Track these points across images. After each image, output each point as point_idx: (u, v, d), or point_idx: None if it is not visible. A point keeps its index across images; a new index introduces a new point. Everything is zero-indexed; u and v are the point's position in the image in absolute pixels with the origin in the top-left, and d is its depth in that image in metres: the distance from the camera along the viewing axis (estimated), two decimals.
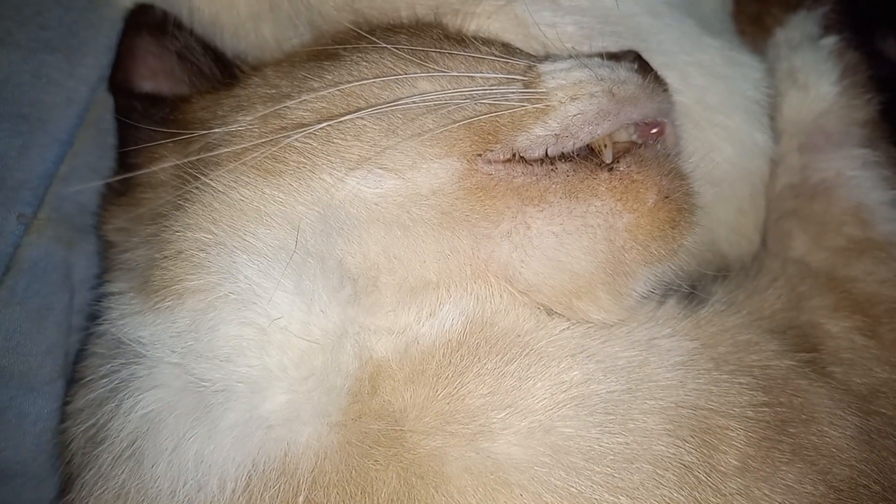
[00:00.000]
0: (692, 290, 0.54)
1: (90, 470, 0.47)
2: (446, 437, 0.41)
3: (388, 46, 0.48)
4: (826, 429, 0.47)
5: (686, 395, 0.44)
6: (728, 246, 0.64)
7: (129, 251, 0.51)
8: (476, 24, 0.55)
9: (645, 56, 0.54)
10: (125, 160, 0.59)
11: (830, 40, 0.66)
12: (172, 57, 0.63)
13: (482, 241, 0.45)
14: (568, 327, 0.46)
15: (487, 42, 0.51)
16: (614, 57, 0.52)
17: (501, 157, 0.46)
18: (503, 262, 0.45)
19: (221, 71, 0.60)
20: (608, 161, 0.46)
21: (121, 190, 0.57)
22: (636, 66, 0.50)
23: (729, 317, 0.50)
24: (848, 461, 0.46)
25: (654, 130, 0.49)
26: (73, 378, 0.56)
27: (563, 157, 0.46)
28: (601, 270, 0.45)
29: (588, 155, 0.47)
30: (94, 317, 0.54)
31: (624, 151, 0.47)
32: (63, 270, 0.60)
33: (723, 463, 0.43)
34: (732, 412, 0.44)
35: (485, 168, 0.45)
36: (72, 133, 0.62)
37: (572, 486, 0.40)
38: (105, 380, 0.49)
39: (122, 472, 0.46)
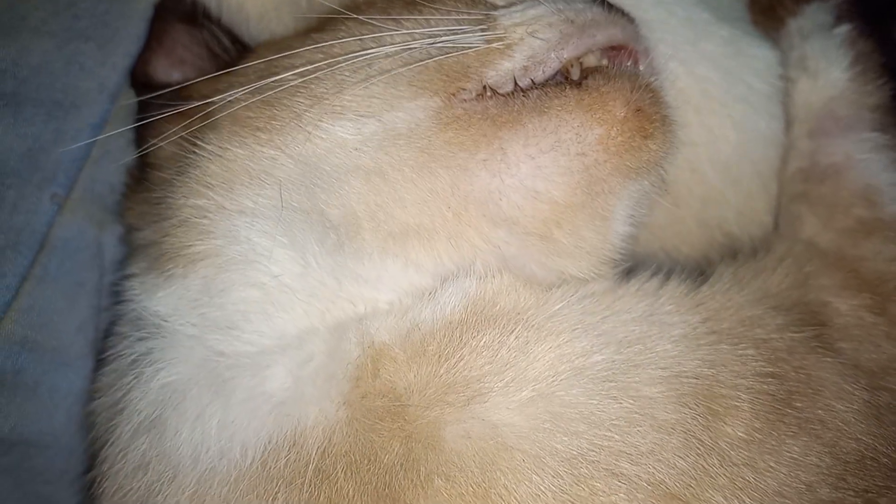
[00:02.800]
0: (700, 273, 0.55)
1: (111, 443, 0.50)
2: (444, 406, 0.42)
3: (362, 17, 0.50)
4: (833, 402, 0.48)
5: (689, 365, 0.45)
6: (738, 229, 0.65)
7: (145, 230, 0.53)
8: None
9: (650, 46, 0.56)
10: (141, 140, 0.61)
11: (843, 28, 0.66)
12: (202, 46, 0.65)
13: (460, 176, 0.46)
14: (567, 303, 0.47)
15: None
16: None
17: (474, 94, 0.48)
18: (481, 197, 0.46)
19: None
20: (576, 78, 0.47)
21: (139, 177, 0.59)
22: (600, 2, 0.52)
23: (734, 294, 0.52)
24: (854, 435, 0.47)
25: (625, 54, 0.50)
26: (100, 356, 0.59)
27: (534, 85, 0.48)
28: (579, 191, 0.46)
29: (561, 77, 0.48)
30: (118, 299, 0.56)
31: (593, 70, 0.48)
32: (94, 250, 0.62)
33: (728, 432, 0.44)
34: (737, 383, 0.45)
35: (460, 104, 0.47)
36: (104, 118, 0.64)
37: (574, 450, 0.41)
38: (126, 354, 0.51)
39: (143, 443, 0.48)
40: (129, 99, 0.66)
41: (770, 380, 0.46)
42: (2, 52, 0.62)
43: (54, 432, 0.58)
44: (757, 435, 0.44)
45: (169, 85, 0.64)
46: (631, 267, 0.56)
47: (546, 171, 0.46)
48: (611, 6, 0.53)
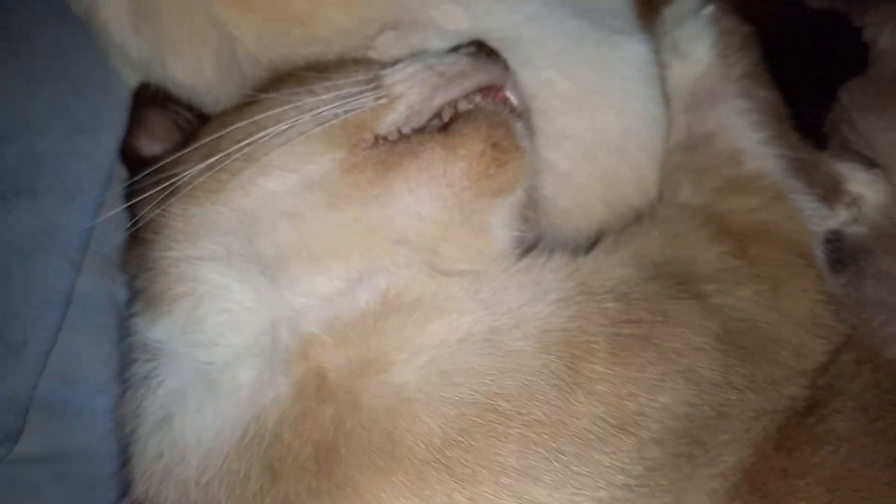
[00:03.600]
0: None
1: (134, 442, 0.63)
2: (362, 377, 0.54)
3: (277, 95, 0.63)
4: (689, 335, 0.57)
5: (557, 322, 0.55)
6: (639, 201, 0.74)
7: (140, 277, 0.67)
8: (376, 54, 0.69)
9: (518, 63, 0.67)
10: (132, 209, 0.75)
11: (707, 10, 0.75)
12: (171, 123, 0.79)
13: (360, 209, 0.58)
14: (461, 287, 0.58)
15: (356, 62, 0.65)
16: (456, 47, 0.65)
17: (370, 143, 0.60)
18: (379, 224, 0.58)
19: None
20: (446, 121, 0.59)
21: (134, 235, 0.73)
22: (473, 50, 0.63)
23: (607, 257, 0.61)
24: (708, 362, 0.56)
25: (494, 95, 0.62)
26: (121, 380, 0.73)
27: (415, 131, 0.60)
28: (455, 214, 0.58)
29: (436, 126, 0.60)
30: (128, 333, 0.70)
31: (461, 115, 0.60)
32: (108, 298, 0.77)
33: (589, 369, 0.54)
34: (597, 329, 0.55)
35: (360, 153, 0.59)
36: (102, 193, 0.79)
37: (456, 395, 0.52)
38: (138, 373, 0.65)
39: (157, 436, 0.61)
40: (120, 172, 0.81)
41: (627, 323, 0.56)
42: (16, 153, 0.77)
43: (95, 445, 0.73)
44: (616, 368, 0.54)
45: (151, 158, 0.78)
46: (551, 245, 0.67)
47: (425, 200, 0.58)
48: (483, 50, 0.64)
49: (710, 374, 0.56)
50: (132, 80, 0.81)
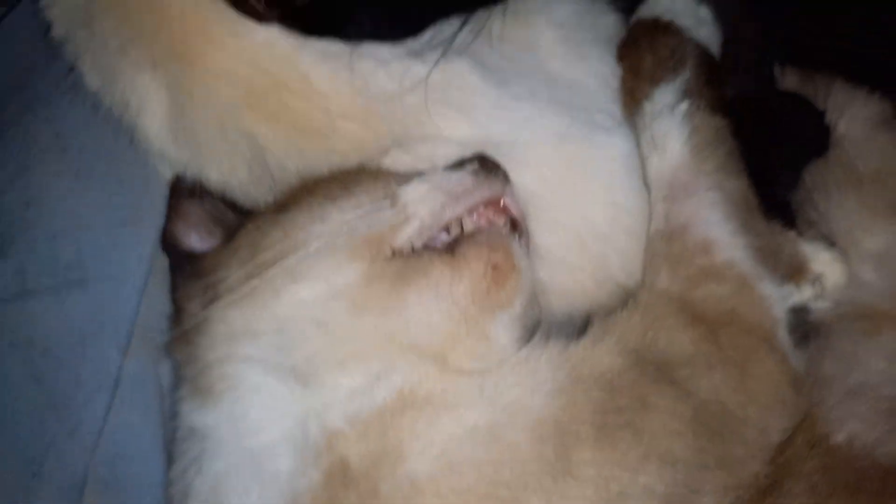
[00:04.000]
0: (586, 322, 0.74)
1: None
2: (380, 468, 0.62)
3: (307, 209, 0.72)
4: (666, 419, 0.65)
5: (550, 412, 0.64)
6: (626, 280, 0.83)
7: (186, 366, 0.76)
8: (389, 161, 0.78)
9: (515, 164, 0.76)
10: (175, 299, 0.84)
11: (682, 106, 0.83)
12: (207, 214, 0.88)
13: (380, 319, 0.67)
14: (468, 384, 0.66)
15: (374, 177, 0.74)
16: (461, 162, 0.74)
17: (389, 255, 0.68)
18: (394, 333, 0.66)
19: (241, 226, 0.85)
20: (453, 248, 0.68)
21: (178, 322, 0.82)
22: (476, 164, 0.72)
23: (595, 346, 0.70)
24: (683, 444, 0.65)
25: (496, 207, 0.72)
26: (169, 454, 0.82)
27: (426, 246, 0.69)
28: (461, 325, 0.67)
29: (445, 240, 0.69)
30: (176, 411, 0.79)
31: (465, 236, 0.68)
32: (154, 378, 0.86)
33: (578, 456, 0.62)
34: (584, 418, 0.64)
35: (379, 265, 0.68)
36: (145, 280, 0.88)
37: (463, 486, 0.61)
38: (187, 454, 0.74)
39: None
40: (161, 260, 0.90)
41: (611, 412, 0.65)
42: (69, 248, 0.87)
43: None
44: (602, 453, 0.63)
45: (189, 247, 0.87)
46: (549, 325, 0.76)
47: (434, 314, 0.67)
48: (485, 165, 0.73)
49: (684, 455, 0.65)
50: (169, 174, 0.89)
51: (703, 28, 0.93)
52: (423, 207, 0.69)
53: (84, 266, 0.87)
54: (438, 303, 0.66)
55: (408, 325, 0.67)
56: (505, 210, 0.71)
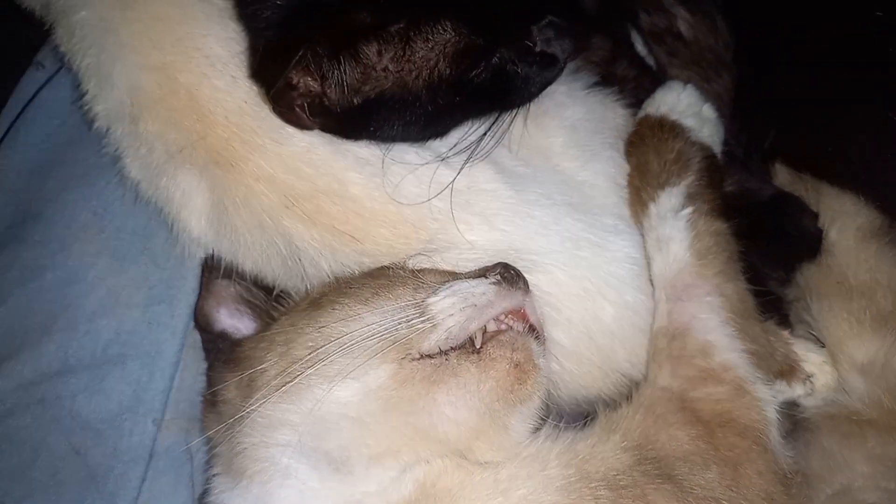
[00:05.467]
0: (587, 415, 0.81)
1: None
2: None
3: (341, 311, 0.78)
4: None
5: None
6: (631, 370, 0.89)
7: (220, 445, 0.82)
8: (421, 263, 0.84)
9: (532, 268, 0.82)
10: (210, 378, 0.90)
11: (685, 211, 0.89)
12: (237, 295, 0.94)
13: (409, 416, 0.72)
14: (482, 479, 0.72)
15: (403, 283, 0.80)
16: (487, 269, 0.80)
17: (417, 357, 0.74)
18: (424, 428, 0.72)
19: (270, 307, 0.91)
20: (478, 347, 0.74)
21: (212, 401, 0.88)
22: (498, 276, 0.78)
23: (601, 443, 0.76)
24: None
25: (516, 314, 0.78)
26: None
27: (453, 349, 0.74)
28: (485, 419, 0.72)
29: (469, 344, 0.75)
30: (209, 486, 0.85)
31: (490, 338, 0.75)
32: (185, 451, 0.92)
33: None
34: None
35: (407, 366, 0.73)
36: (178, 355, 0.94)
37: None
38: None
39: None
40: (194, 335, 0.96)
41: None
42: (108, 327, 0.93)
43: None
44: None
45: (220, 325, 0.93)
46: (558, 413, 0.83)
47: (461, 410, 0.72)
48: (507, 275, 0.79)
49: None
50: (202, 254, 0.95)
51: (707, 127, 1.01)
52: (450, 320, 0.75)
53: (122, 343, 0.92)
54: (466, 400, 0.72)
55: (437, 421, 0.72)
56: (524, 317, 0.78)
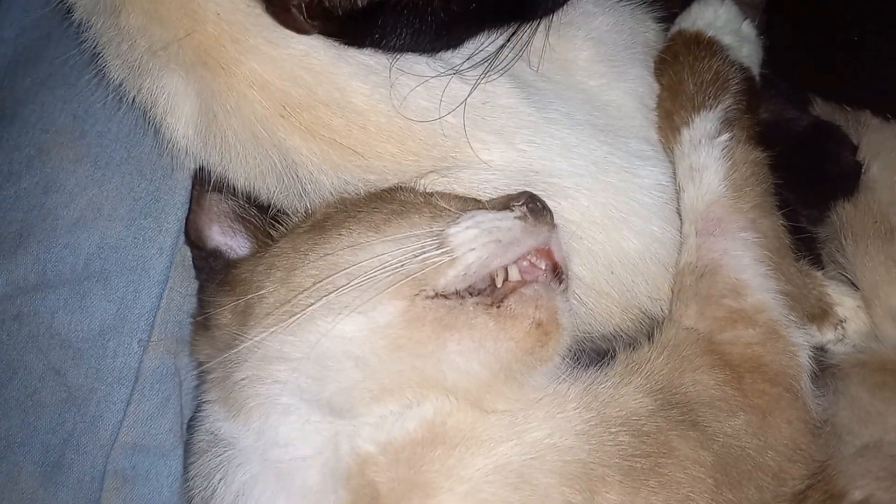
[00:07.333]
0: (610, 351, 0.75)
1: None
2: (410, 500, 0.64)
3: (349, 236, 0.71)
4: (688, 465, 0.67)
5: (578, 454, 0.65)
6: (652, 308, 0.84)
7: (213, 371, 0.76)
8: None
9: (554, 193, 0.75)
10: (202, 300, 0.83)
11: (722, 138, 0.82)
12: (230, 210, 0.86)
13: (417, 360, 0.66)
14: (498, 419, 0.67)
15: (418, 210, 0.72)
16: (510, 198, 0.72)
17: (431, 295, 0.67)
18: (431, 374, 0.66)
19: (266, 225, 0.83)
20: (499, 300, 0.67)
21: (204, 324, 0.81)
22: (525, 208, 0.70)
23: (623, 386, 0.71)
24: (703, 490, 0.67)
25: (540, 252, 0.70)
26: (187, 447, 0.83)
27: (470, 290, 0.68)
28: (498, 375, 0.66)
29: (490, 286, 0.68)
30: (200, 409, 0.79)
31: (512, 290, 0.67)
32: (173, 371, 0.86)
33: (604, 497, 0.64)
34: (612, 463, 0.65)
35: (419, 304, 0.67)
36: (167, 274, 0.87)
37: None
38: (211, 459, 0.74)
39: None
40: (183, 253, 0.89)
41: (637, 458, 0.66)
42: (90, 239, 0.85)
43: None
44: (627, 496, 0.64)
45: (213, 243, 0.85)
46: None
47: (474, 363, 0.66)
48: (534, 209, 0.71)
49: (703, 499, 0.67)
50: (192, 165, 0.87)
51: (746, 46, 0.92)
52: (471, 255, 0.67)
53: (104, 258, 0.85)
54: (480, 355, 0.66)
55: (445, 369, 0.66)
56: (549, 255, 0.71)
